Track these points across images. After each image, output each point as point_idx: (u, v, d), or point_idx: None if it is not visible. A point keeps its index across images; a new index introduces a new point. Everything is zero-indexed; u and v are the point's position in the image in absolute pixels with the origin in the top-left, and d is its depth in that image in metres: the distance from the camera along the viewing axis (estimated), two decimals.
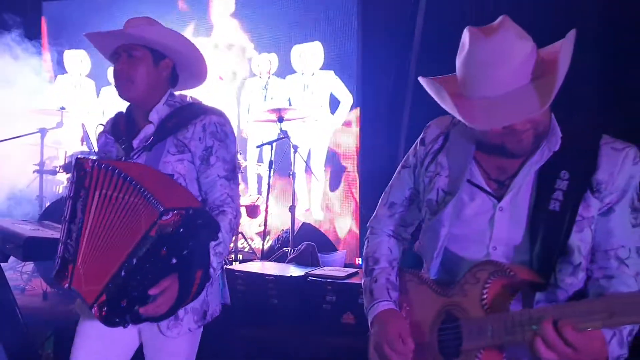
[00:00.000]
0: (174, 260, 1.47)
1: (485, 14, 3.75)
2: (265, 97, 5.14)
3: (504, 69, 1.16)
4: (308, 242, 3.84)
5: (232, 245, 4.21)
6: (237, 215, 1.68)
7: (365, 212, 4.70)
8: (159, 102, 1.74)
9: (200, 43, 4.68)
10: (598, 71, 3.65)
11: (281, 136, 4.35)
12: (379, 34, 4.58)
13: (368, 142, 4.72)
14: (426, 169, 1.43)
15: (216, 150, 1.69)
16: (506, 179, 1.32)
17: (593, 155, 1.26)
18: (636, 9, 3.58)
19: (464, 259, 1.36)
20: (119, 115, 1.84)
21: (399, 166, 1.55)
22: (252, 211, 4.82)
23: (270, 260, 3.89)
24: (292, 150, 4.37)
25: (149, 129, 1.72)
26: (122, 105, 1.83)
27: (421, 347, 1.36)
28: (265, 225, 4.31)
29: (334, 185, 4.91)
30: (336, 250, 4.42)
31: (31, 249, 1.95)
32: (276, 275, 3.00)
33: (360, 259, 4.62)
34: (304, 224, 4.53)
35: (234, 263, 4.04)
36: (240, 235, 4.60)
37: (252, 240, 4.91)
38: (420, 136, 1.49)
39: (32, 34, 5.07)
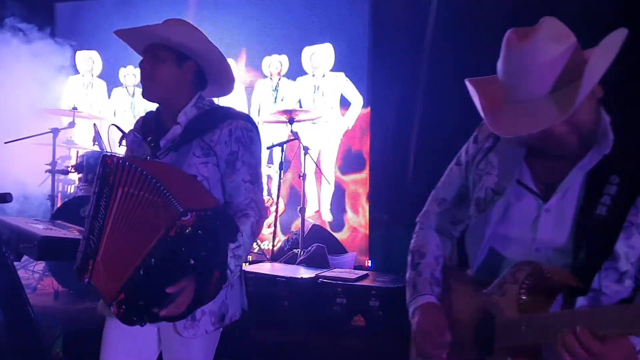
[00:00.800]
0: (192, 261, 1.47)
1: (497, 16, 3.72)
2: (275, 98, 5.14)
3: (526, 79, 1.16)
4: (318, 244, 3.84)
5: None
6: (261, 220, 1.68)
7: (375, 214, 4.68)
8: (188, 104, 1.74)
9: None
10: None
11: (292, 137, 4.35)
12: (390, 36, 4.56)
13: (378, 143, 4.70)
14: (477, 167, 1.43)
15: (242, 155, 1.69)
16: (555, 181, 1.29)
17: None
18: None
19: (506, 258, 1.35)
20: (149, 114, 1.85)
21: (451, 163, 1.54)
22: None
23: (280, 262, 3.89)
24: (302, 151, 4.36)
25: (176, 130, 1.72)
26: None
27: (458, 342, 1.37)
28: (275, 226, 4.32)
29: (343, 186, 4.90)
30: (346, 252, 4.41)
31: (45, 249, 1.96)
32: (287, 277, 3.01)
33: (369, 260, 4.61)
34: (313, 225, 4.52)
35: (244, 264, 4.03)
36: None
37: (263, 241, 4.91)
38: (474, 134, 1.48)
39: (44, 35, 5.09)
